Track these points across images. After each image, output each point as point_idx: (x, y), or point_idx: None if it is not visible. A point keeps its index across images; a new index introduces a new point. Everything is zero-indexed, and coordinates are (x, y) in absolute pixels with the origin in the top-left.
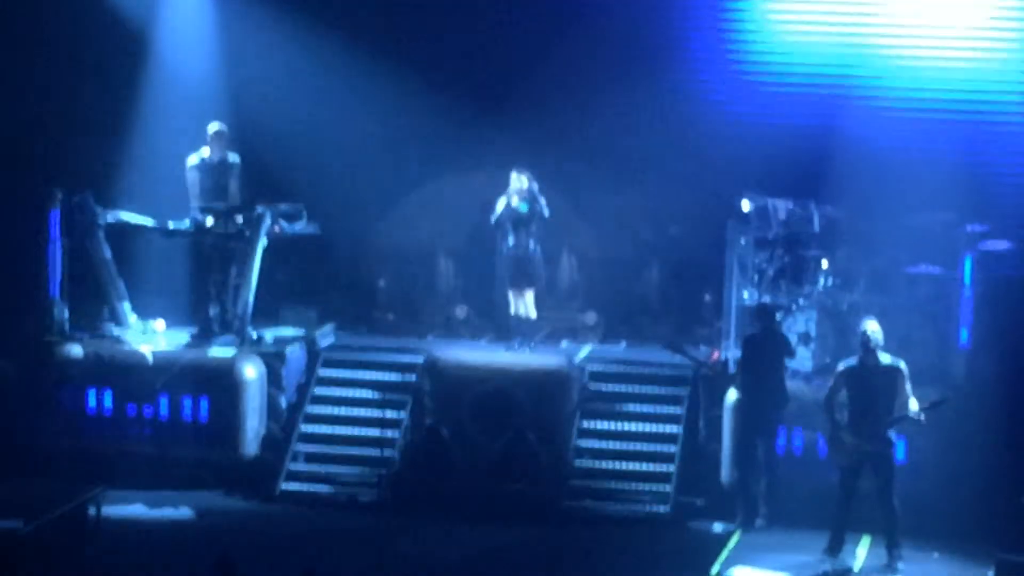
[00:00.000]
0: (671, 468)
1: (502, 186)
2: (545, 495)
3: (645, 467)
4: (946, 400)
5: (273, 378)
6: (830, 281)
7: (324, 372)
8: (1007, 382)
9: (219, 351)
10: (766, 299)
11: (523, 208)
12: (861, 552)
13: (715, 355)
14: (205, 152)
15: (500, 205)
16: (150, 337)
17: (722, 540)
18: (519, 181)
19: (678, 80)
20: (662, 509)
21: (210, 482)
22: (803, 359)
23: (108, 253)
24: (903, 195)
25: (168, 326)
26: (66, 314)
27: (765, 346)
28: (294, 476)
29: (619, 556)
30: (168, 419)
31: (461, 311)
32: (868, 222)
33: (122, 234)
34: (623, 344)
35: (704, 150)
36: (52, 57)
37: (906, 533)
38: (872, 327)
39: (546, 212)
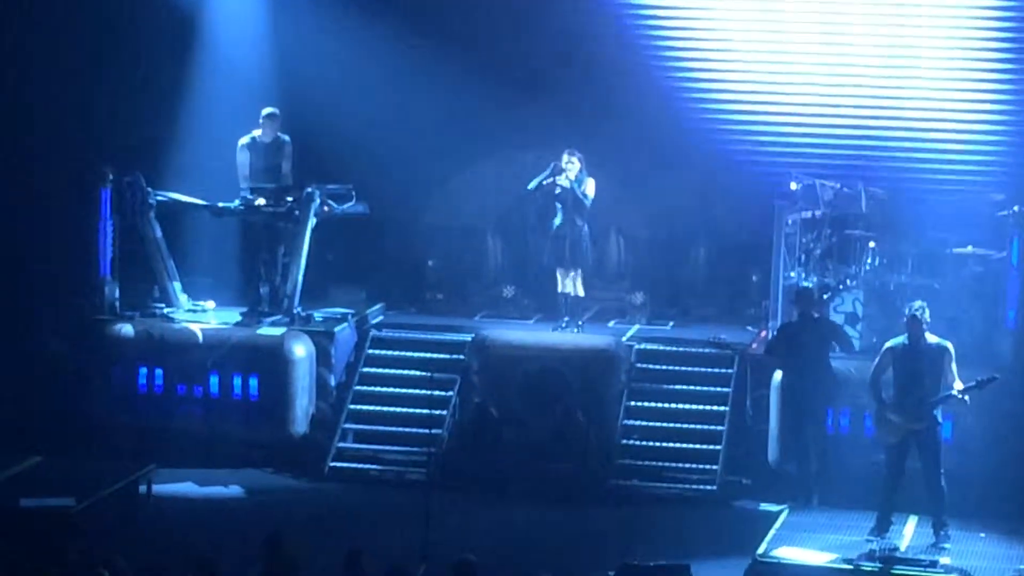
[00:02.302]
0: (718, 448)
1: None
2: (592, 474)
3: (692, 447)
4: (992, 379)
5: (322, 357)
6: (877, 261)
7: (373, 351)
8: None
9: (268, 330)
10: (804, 283)
11: (572, 190)
12: (908, 531)
13: (763, 335)
14: (257, 133)
15: (555, 186)
16: (200, 316)
17: (769, 520)
18: (570, 162)
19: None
20: (709, 488)
21: (259, 460)
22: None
23: (159, 232)
24: (951, 175)
25: (218, 305)
26: (117, 293)
27: (805, 332)
28: (343, 455)
29: (666, 535)
30: (218, 397)
31: (509, 291)
32: (915, 203)
33: (173, 214)
34: (670, 324)
35: (751, 129)
36: (105, 37)
37: (952, 512)
38: (919, 307)
39: (587, 202)
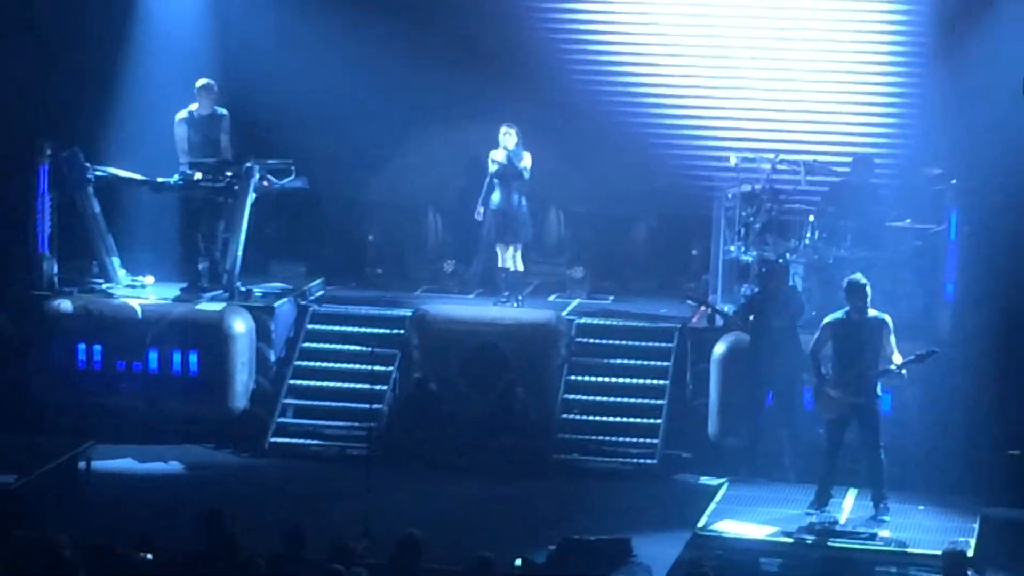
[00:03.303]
0: (658, 422)
1: (492, 141)
2: (533, 448)
3: (632, 420)
4: (931, 353)
5: (262, 332)
6: (816, 235)
7: (313, 326)
8: (992, 335)
9: (208, 305)
10: (768, 255)
11: (509, 162)
12: (847, 505)
13: (702, 309)
14: (194, 107)
15: (490, 161)
16: (139, 291)
17: (709, 493)
18: (507, 136)
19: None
20: (649, 462)
21: (199, 436)
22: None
23: (97, 208)
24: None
25: (157, 280)
26: (55, 269)
27: (775, 305)
28: (283, 430)
29: (607, 508)
30: (157, 373)
31: (449, 266)
32: (854, 176)
33: (111, 189)
34: (610, 298)
35: (690, 104)
36: (42, 11)
37: (892, 486)
38: (858, 279)
39: (526, 174)
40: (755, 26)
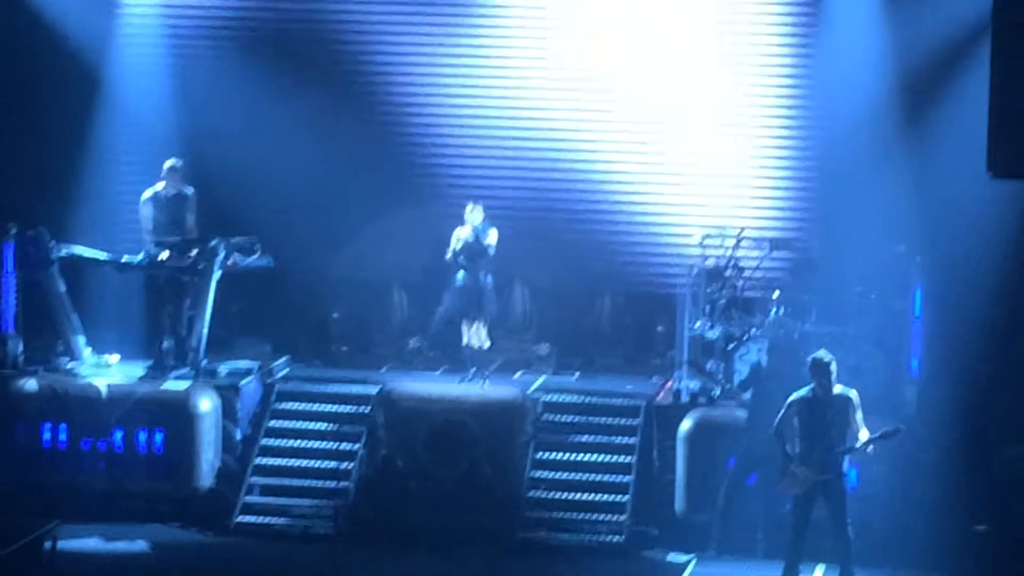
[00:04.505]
0: (625, 498)
1: (457, 219)
2: (500, 526)
3: (599, 497)
4: (897, 431)
5: (228, 410)
6: (782, 311)
7: (278, 405)
8: (958, 411)
9: (173, 384)
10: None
11: (475, 239)
12: None
13: (668, 384)
14: (160, 187)
15: (455, 239)
16: (105, 371)
17: (676, 570)
18: (473, 213)
19: None
20: (617, 539)
21: (165, 515)
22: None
23: (63, 287)
24: (856, 226)
25: (123, 359)
26: (20, 348)
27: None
28: (249, 508)
29: None
30: (123, 452)
31: (415, 343)
32: (820, 253)
33: (76, 268)
34: (576, 375)
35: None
36: (8, 89)
37: (860, 561)
38: (823, 357)
39: (491, 251)
40: (718, 103)
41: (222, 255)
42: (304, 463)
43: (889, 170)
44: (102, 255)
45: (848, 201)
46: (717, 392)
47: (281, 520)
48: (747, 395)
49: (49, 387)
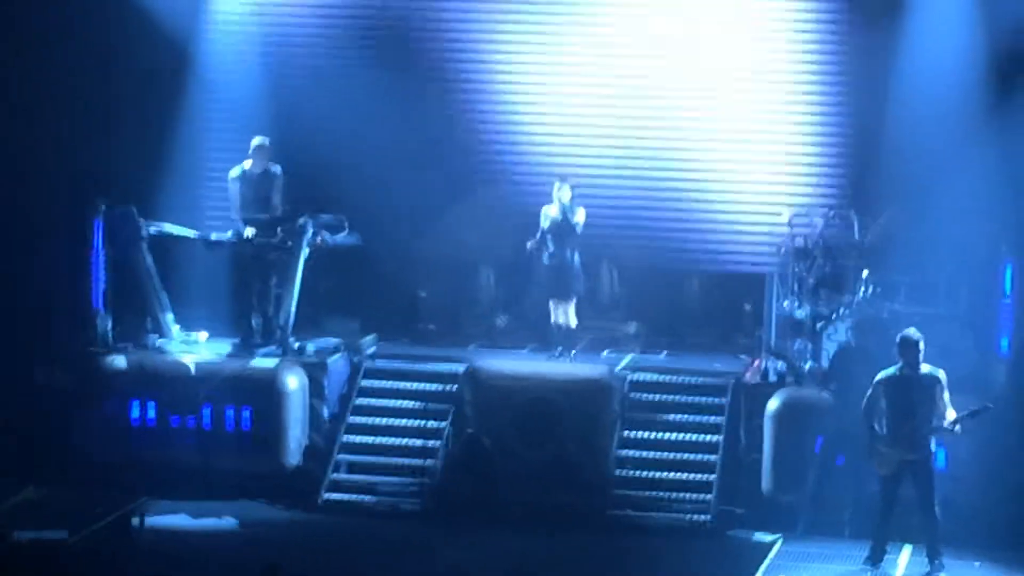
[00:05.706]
0: (712, 477)
1: (545, 198)
2: (587, 505)
3: (686, 476)
4: (985, 409)
5: (315, 388)
6: (871, 290)
7: (366, 382)
8: None
9: (261, 361)
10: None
11: (563, 218)
12: (902, 561)
13: (756, 364)
14: (247, 164)
15: (543, 217)
16: (193, 348)
17: (763, 550)
18: (561, 191)
19: None
20: (703, 518)
21: (253, 492)
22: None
23: (151, 264)
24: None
25: (211, 337)
26: (110, 325)
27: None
28: (336, 486)
29: (661, 565)
30: (211, 429)
31: (502, 321)
32: (908, 231)
33: (165, 245)
34: (664, 353)
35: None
36: (98, 69)
37: (947, 541)
38: (912, 335)
39: (579, 229)
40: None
41: (310, 233)
42: (391, 441)
43: (978, 150)
44: (190, 232)
45: (937, 181)
46: (804, 371)
47: (368, 498)
48: (834, 375)
49: (138, 364)
